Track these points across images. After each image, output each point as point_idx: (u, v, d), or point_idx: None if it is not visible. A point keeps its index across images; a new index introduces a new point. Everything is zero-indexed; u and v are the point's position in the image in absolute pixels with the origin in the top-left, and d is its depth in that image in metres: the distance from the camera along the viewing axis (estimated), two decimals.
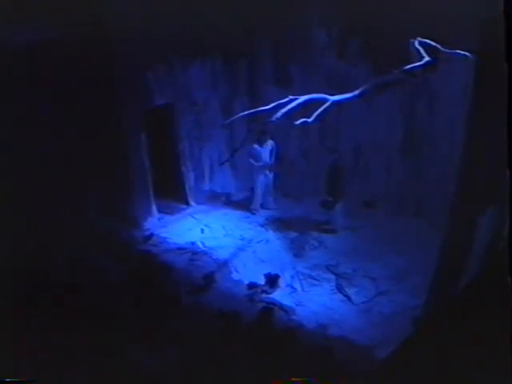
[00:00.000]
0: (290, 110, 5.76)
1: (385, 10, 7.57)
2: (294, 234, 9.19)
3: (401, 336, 5.20)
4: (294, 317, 7.17)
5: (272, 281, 7.77)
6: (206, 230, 9.49)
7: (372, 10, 7.84)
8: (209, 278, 7.93)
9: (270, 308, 7.14)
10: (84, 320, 5.97)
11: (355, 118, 9.53)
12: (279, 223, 9.61)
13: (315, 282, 7.98)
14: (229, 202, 10.52)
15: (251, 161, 9.73)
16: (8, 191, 7.12)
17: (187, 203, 10.33)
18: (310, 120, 5.82)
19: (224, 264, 8.42)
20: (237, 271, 8.27)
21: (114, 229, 8.74)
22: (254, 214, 9.98)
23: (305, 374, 5.17)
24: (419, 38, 6.23)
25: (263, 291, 7.66)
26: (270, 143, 9.71)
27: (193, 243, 9.02)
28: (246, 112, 6.56)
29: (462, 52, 5.90)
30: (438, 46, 6.17)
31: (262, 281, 7.81)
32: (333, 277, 8.05)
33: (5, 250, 6.45)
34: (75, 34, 7.23)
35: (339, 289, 7.80)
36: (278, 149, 9.87)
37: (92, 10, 7.37)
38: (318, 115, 5.84)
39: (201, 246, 8.97)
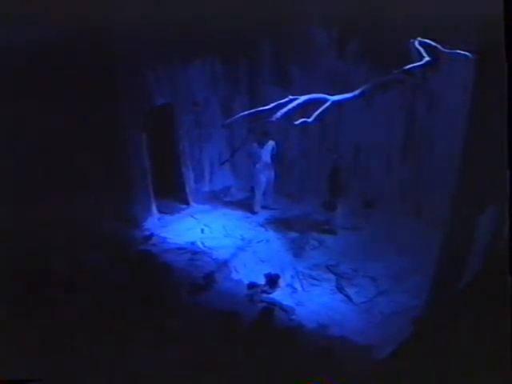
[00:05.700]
0: (289, 109, 5.76)
1: (385, 10, 7.57)
2: (294, 234, 9.19)
3: (401, 336, 5.21)
4: (294, 317, 7.17)
5: (272, 281, 7.77)
6: (206, 230, 9.49)
7: (372, 9, 7.84)
8: (209, 277, 7.93)
9: (270, 308, 7.14)
10: (84, 320, 5.97)
11: (355, 118, 9.53)
12: (279, 223, 9.61)
13: (315, 282, 7.98)
14: (229, 201, 10.52)
15: (252, 161, 9.75)
16: (8, 191, 7.12)
17: (187, 203, 10.33)
18: (309, 120, 5.82)
19: (224, 264, 8.41)
20: (237, 271, 8.27)
21: (114, 229, 8.74)
22: (254, 214, 9.98)
23: (305, 374, 5.17)
24: (419, 38, 6.24)
25: (263, 291, 7.66)
26: (270, 144, 9.71)
27: (193, 243, 9.01)
28: (246, 112, 6.57)
29: (462, 52, 5.92)
30: (438, 46, 6.18)
31: (262, 281, 7.80)
32: (333, 277, 8.05)
33: (5, 249, 6.45)
34: (75, 34, 7.23)
35: (339, 289, 7.80)
36: (278, 149, 9.88)
37: (92, 9, 7.37)
38: (318, 115, 5.84)
39: (201, 245, 8.97)
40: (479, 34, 5.17)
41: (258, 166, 9.74)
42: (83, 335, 5.76)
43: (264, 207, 10.07)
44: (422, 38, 6.23)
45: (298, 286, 7.90)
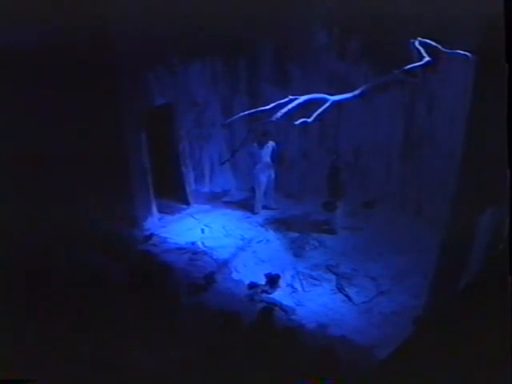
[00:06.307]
0: (289, 110, 5.75)
1: (385, 9, 7.56)
2: (294, 234, 9.20)
3: (401, 336, 5.19)
4: (294, 317, 7.18)
5: (272, 281, 7.78)
6: (206, 230, 9.50)
7: (372, 9, 7.83)
8: (209, 277, 7.93)
9: (270, 308, 7.14)
10: (84, 320, 5.98)
11: (355, 118, 9.53)
12: (279, 223, 9.61)
13: (316, 282, 7.99)
14: (229, 201, 10.52)
15: (252, 161, 9.75)
16: (8, 191, 7.12)
17: (187, 203, 10.33)
18: (309, 120, 5.82)
19: (224, 264, 8.42)
20: (237, 271, 8.28)
21: (114, 229, 8.73)
22: (255, 214, 9.98)
23: (305, 373, 5.17)
24: (419, 38, 6.23)
25: (264, 291, 7.67)
26: (270, 144, 9.71)
27: (193, 243, 9.02)
28: (246, 112, 6.56)
29: (462, 52, 5.91)
30: (438, 46, 6.17)
31: (262, 281, 7.81)
32: (333, 277, 8.06)
33: (5, 249, 6.45)
34: (75, 34, 7.23)
35: (339, 289, 7.81)
36: (279, 149, 9.88)
37: (92, 9, 7.36)
38: (318, 115, 5.83)
39: (201, 245, 8.98)
40: (479, 34, 5.17)
41: (258, 166, 9.74)
42: (83, 335, 5.76)
43: (264, 207, 10.07)
44: (422, 37, 6.22)
45: (298, 286, 7.90)
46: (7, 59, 6.80)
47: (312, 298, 7.64)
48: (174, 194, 10.39)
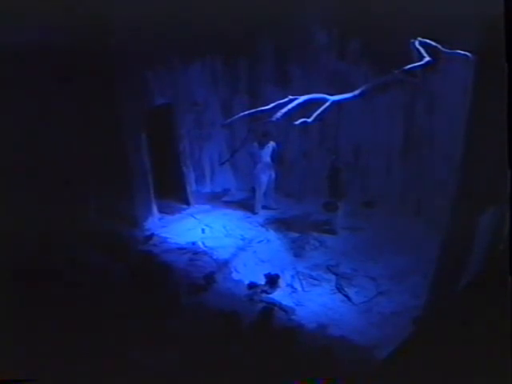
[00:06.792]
0: (289, 109, 5.75)
1: (385, 9, 7.57)
2: (294, 234, 9.19)
3: (401, 336, 5.21)
4: (293, 317, 7.17)
5: (272, 281, 7.77)
6: (207, 230, 9.50)
7: (372, 9, 7.84)
8: (209, 277, 7.93)
9: (270, 308, 7.14)
10: (84, 320, 5.98)
11: (355, 118, 9.54)
12: (280, 223, 9.61)
13: (315, 282, 7.98)
14: (229, 201, 10.52)
15: (253, 161, 9.76)
16: (8, 191, 7.12)
17: (188, 203, 10.34)
18: (309, 120, 5.82)
19: (224, 264, 8.42)
20: (237, 271, 8.27)
21: (114, 229, 8.74)
22: (255, 214, 9.98)
23: (305, 374, 5.17)
24: (419, 38, 6.24)
25: (263, 291, 7.66)
26: (271, 144, 9.71)
27: (193, 243, 9.02)
28: (246, 112, 6.56)
29: (462, 52, 5.91)
30: (438, 46, 6.18)
31: (262, 281, 7.80)
32: (333, 277, 8.05)
33: (5, 249, 6.45)
34: (75, 34, 7.23)
35: (339, 289, 7.80)
36: (279, 149, 9.88)
37: (92, 10, 7.37)
38: (318, 115, 5.84)
39: (201, 245, 8.97)
40: (479, 34, 5.17)
41: (258, 166, 9.74)
42: (83, 335, 5.77)
43: (264, 207, 10.08)
44: (422, 37, 6.23)
45: (298, 286, 7.90)
46: (7, 59, 6.80)
47: (312, 298, 7.63)
48: (174, 194, 10.39)
